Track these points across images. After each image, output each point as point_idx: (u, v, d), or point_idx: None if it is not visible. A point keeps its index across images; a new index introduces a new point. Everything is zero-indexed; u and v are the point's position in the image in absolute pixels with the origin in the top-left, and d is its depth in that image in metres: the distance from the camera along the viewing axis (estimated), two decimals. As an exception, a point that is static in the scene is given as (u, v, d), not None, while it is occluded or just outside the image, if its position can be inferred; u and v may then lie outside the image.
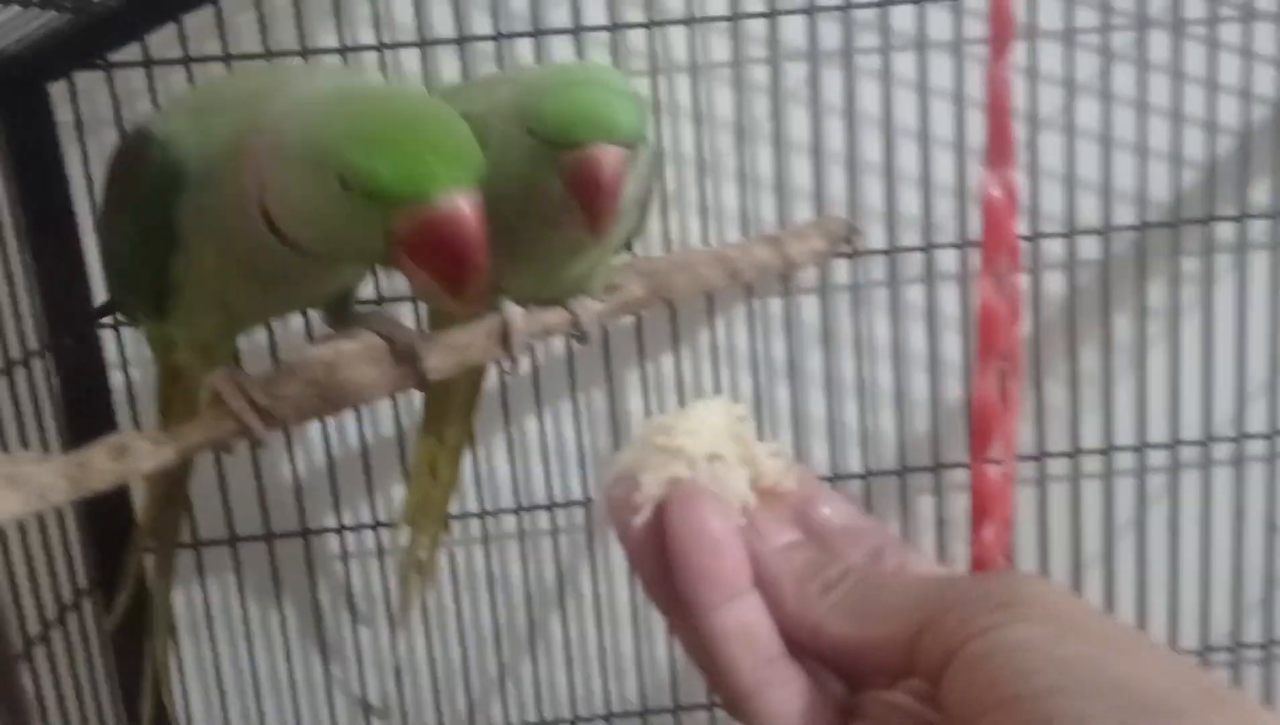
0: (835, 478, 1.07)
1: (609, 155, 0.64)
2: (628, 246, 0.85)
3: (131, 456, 0.57)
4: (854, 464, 1.08)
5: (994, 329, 0.46)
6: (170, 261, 0.63)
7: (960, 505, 1.09)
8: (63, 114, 0.95)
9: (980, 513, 0.49)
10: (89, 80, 0.95)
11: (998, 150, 0.46)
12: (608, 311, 0.79)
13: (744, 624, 0.33)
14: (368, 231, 0.53)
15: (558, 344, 1.04)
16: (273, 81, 0.63)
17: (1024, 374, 0.94)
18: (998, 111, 0.45)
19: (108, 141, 0.96)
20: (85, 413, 0.98)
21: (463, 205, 0.51)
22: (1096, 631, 0.27)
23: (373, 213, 0.52)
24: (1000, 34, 0.44)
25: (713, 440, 0.34)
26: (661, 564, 0.34)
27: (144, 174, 0.62)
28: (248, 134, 0.57)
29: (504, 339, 0.73)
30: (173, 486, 0.88)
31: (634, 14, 0.98)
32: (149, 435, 0.58)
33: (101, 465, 0.56)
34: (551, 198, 0.66)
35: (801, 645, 0.33)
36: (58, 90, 0.94)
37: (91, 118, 0.96)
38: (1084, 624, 0.27)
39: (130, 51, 0.93)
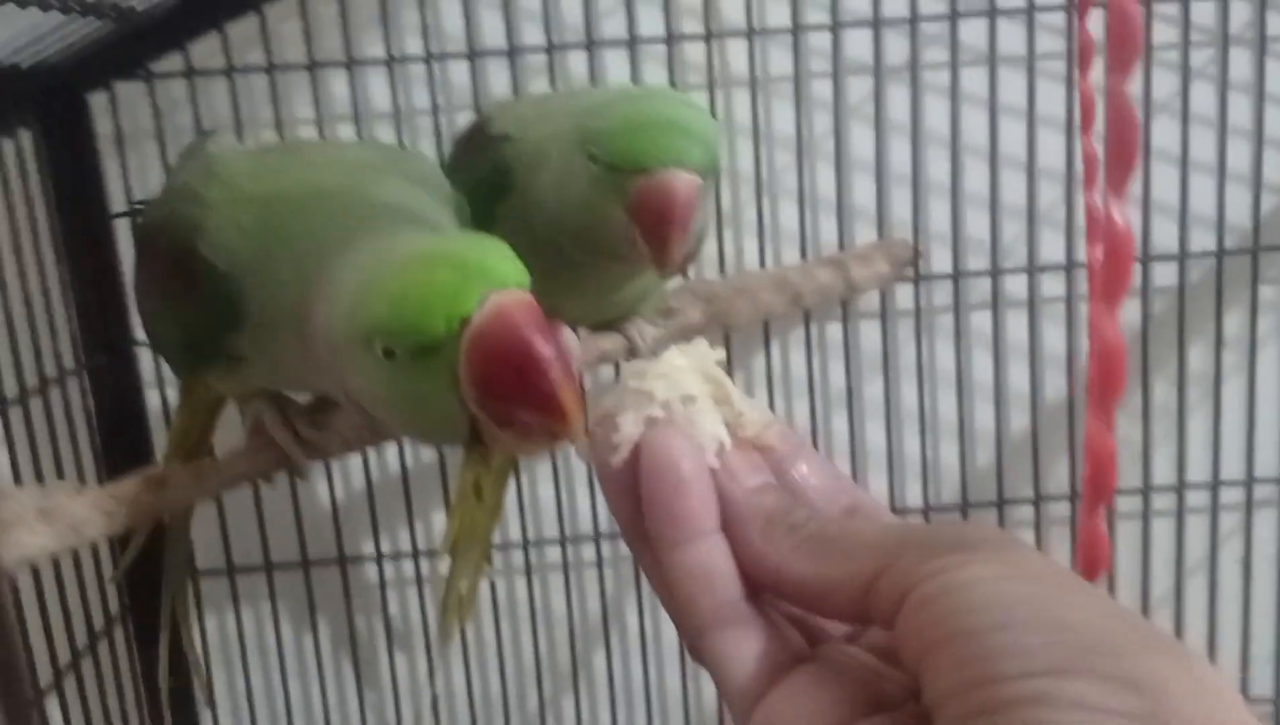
0: (895, 511, 1.02)
1: (681, 183, 0.58)
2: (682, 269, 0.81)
3: (170, 489, 0.53)
4: (914, 497, 1.03)
5: (1113, 369, 0.42)
6: (220, 342, 0.59)
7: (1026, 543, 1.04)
8: (102, 125, 0.92)
9: (1090, 569, 0.44)
10: (129, 91, 0.92)
11: (1120, 172, 0.42)
12: (664, 337, 0.75)
13: (704, 563, 0.33)
14: (441, 407, 0.47)
15: (606, 369, 1.00)
16: (333, 187, 0.58)
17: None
18: (1121, 130, 0.41)
19: (148, 153, 0.94)
20: (120, 432, 0.95)
21: (512, 303, 0.45)
22: (1044, 575, 0.28)
23: (431, 375, 0.45)
24: (1123, 45, 0.40)
25: (686, 382, 0.35)
26: (636, 503, 0.34)
27: (195, 297, 0.57)
28: (316, 300, 0.52)
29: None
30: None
31: (692, 25, 0.94)
32: (190, 468, 0.54)
33: (139, 498, 0.52)
34: (614, 227, 0.60)
35: (764, 584, 0.33)
36: (97, 101, 0.91)
37: (132, 129, 0.94)
38: (1032, 568, 0.28)
39: (172, 61, 0.91)
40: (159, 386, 0.96)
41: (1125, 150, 0.41)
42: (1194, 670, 0.26)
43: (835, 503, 0.36)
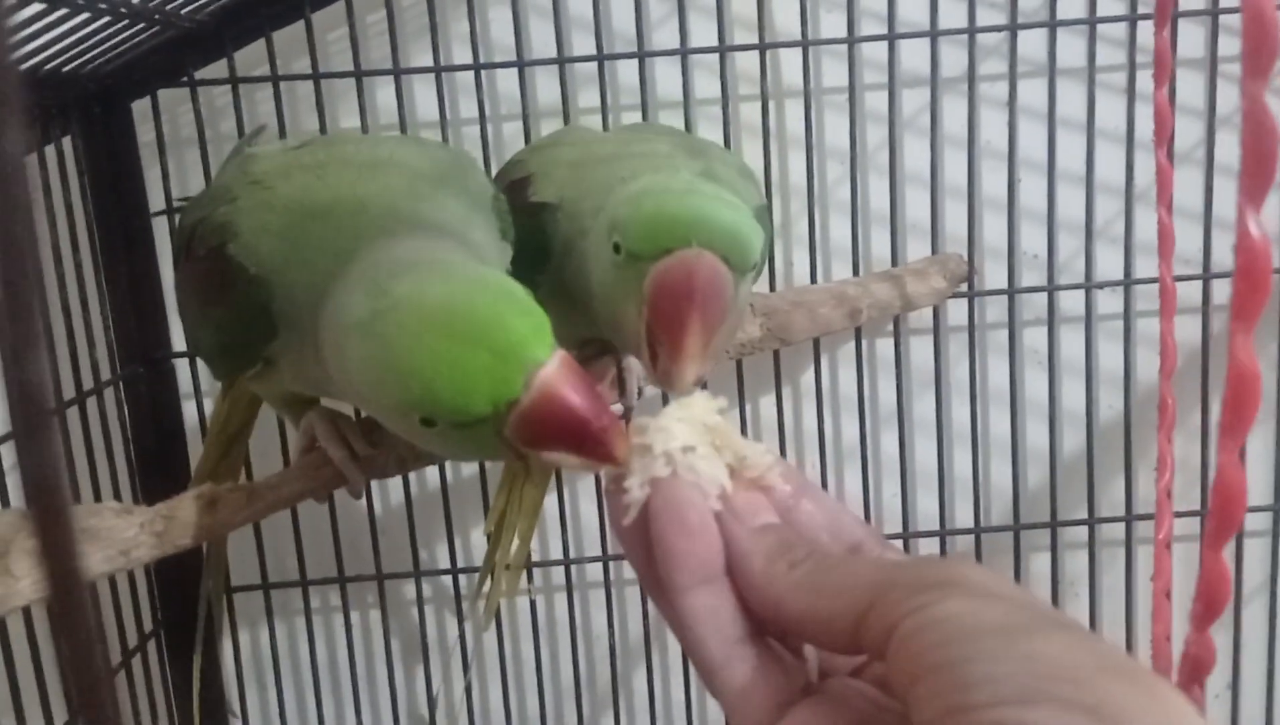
0: (944, 532, 1.00)
1: (705, 263, 0.49)
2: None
3: (221, 510, 0.51)
4: (964, 517, 1.00)
5: (1247, 394, 0.40)
6: (254, 346, 0.57)
7: (1078, 565, 1.01)
8: (144, 132, 0.90)
9: (1212, 606, 0.42)
10: (172, 98, 0.91)
11: (1256, 182, 0.39)
12: (724, 352, 0.73)
13: (712, 605, 0.35)
14: (483, 447, 0.47)
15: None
16: (362, 197, 0.56)
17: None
18: (1259, 139, 0.38)
19: (189, 161, 0.92)
20: (156, 443, 0.93)
21: (556, 377, 0.43)
22: (1016, 608, 0.30)
23: (474, 431, 0.45)
24: (1259, 50, 0.37)
25: (685, 433, 0.37)
26: (649, 553, 0.37)
27: (227, 299, 0.56)
28: (325, 324, 0.51)
29: (620, 383, 0.67)
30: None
31: (744, 35, 0.92)
32: (243, 487, 0.52)
33: (189, 519, 0.50)
34: (630, 323, 0.51)
35: (766, 619, 0.35)
36: (139, 108, 0.90)
37: (174, 136, 0.92)
38: (1006, 601, 0.30)
39: (217, 68, 0.89)
40: (196, 398, 0.95)
41: (1264, 160, 0.38)
42: (1155, 695, 0.27)
43: (840, 539, 0.38)
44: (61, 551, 0.16)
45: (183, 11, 0.80)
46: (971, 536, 1.00)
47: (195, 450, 0.94)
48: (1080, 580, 1.01)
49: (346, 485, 0.60)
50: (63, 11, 0.68)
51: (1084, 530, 1.00)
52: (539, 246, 0.64)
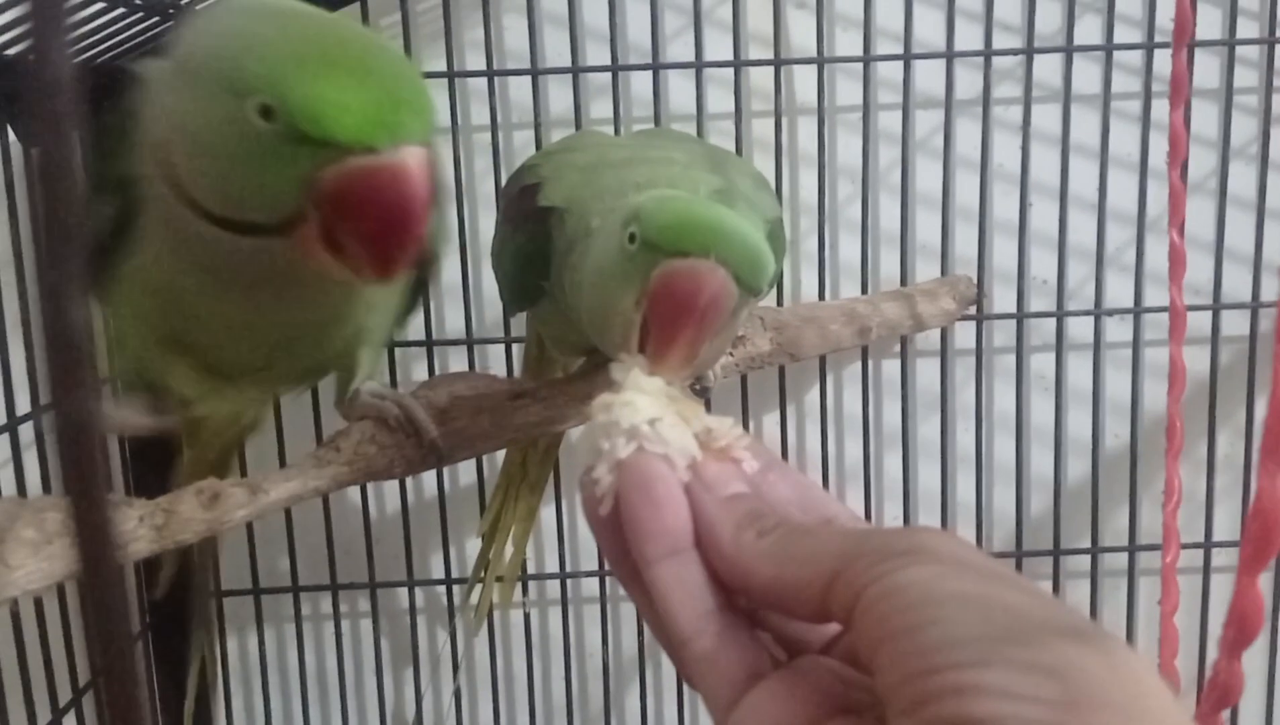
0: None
1: (717, 276, 0.49)
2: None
3: (222, 505, 0.50)
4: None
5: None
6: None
7: (1080, 594, 1.00)
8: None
9: (1244, 635, 0.41)
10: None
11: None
12: (732, 366, 0.73)
13: (682, 577, 0.35)
14: (278, 180, 0.44)
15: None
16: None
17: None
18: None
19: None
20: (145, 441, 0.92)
21: (414, 162, 0.43)
22: (979, 574, 0.30)
23: (294, 156, 0.43)
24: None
25: (648, 406, 0.37)
26: (621, 536, 0.36)
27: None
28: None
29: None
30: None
31: (759, 51, 0.92)
32: (246, 482, 0.51)
33: (190, 514, 0.49)
34: (625, 311, 0.51)
35: (735, 588, 0.35)
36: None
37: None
38: (971, 569, 0.30)
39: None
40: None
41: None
42: (1114, 657, 0.28)
43: (809, 513, 0.38)
44: (93, 499, 0.15)
45: (199, 8, 0.80)
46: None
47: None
48: (1082, 610, 1.00)
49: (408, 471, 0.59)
50: (99, 5, 0.68)
51: (1087, 559, 0.99)
52: (544, 252, 0.63)
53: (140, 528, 0.46)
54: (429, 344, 0.93)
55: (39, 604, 0.78)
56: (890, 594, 0.30)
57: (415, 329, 0.93)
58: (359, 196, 0.42)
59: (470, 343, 0.93)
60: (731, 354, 0.72)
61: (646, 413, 0.37)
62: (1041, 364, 0.98)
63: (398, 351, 0.93)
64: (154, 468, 0.91)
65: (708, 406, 0.94)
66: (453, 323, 0.94)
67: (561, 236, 0.62)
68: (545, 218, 0.63)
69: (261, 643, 0.99)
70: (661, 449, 0.36)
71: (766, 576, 0.34)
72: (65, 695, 0.81)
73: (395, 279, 0.45)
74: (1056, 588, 0.99)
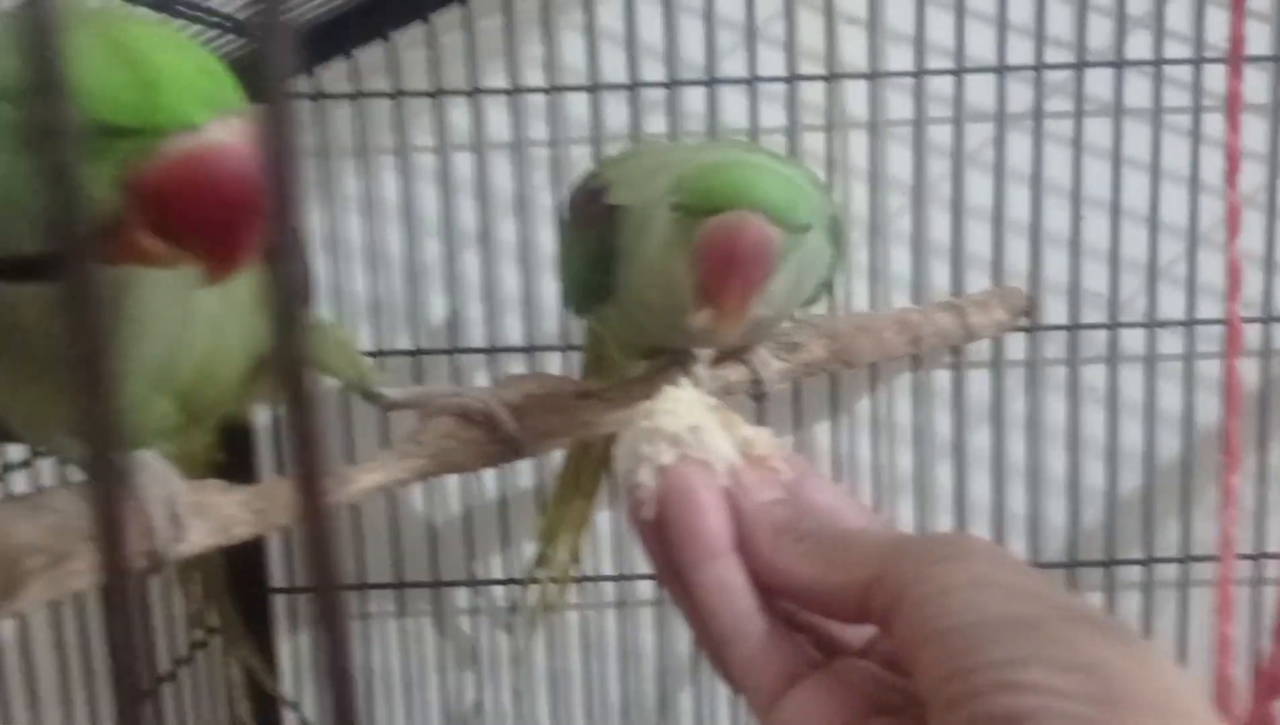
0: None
1: (749, 223, 0.53)
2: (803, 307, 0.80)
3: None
4: (1017, 553, 1.00)
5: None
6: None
7: (1133, 605, 1.00)
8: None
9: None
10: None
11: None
12: (789, 371, 0.75)
13: (723, 580, 0.36)
14: (90, 191, 0.37)
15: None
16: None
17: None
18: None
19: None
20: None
21: (244, 133, 0.37)
22: (1015, 579, 0.31)
23: (100, 153, 0.37)
24: None
25: (691, 413, 0.38)
26: (664, 542, 0.37)
27: (598, 231, 0.60)
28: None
29: (753, 372, 0.69)
30: None
31: (811, 66, 0.94)
32: (357, 467, 0.54)
33: (286, 500, 0.52)
34: (680, 277, 0.55)
35: (775, 590, 0.36)
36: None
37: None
38: (1008, 571, 0.31)
39: (300, 84, 0.93)
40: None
41: None
42: (1144, 656, 0.29)
43: (845, 522, 0.39)
44: (313, 441, 0.18)
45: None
46: (1024, 572, 1.00)
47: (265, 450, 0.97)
48: (1134, 621, 1.00)
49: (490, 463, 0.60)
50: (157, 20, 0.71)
51: (1140, 570, 0.99)
52: (612, 250, 0.66)
53: (242, 512, 0.49)
54: (490, 351, 0.96)
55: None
56: (932, 596, 0.31)
57: (476, 336, 0.96)
58: (195, 179, 0.37)
59: (530, 350, 0.96)
60: (787, 360, 0.74)
61: (688, 420, 0.38)
62: (1094, 376, 0.99)
63: (462, 357, 0.97)
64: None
65: (759, 414, 0.96)
66: (512, 331, 0.97)
67: (627, 234, 0.65)
68: (612, 217, 0.66)
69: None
70: (703, 455, 0.37)
71: (805, 579, 0.35)
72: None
73: (243, 265, 0.39)
74: (1109, 598, 0.99)
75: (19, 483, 0.67)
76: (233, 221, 0.38)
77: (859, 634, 0.38)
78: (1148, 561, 0.98)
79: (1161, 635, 1.00)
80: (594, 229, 0.67)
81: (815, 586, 0.35)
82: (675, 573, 0.38)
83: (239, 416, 0.65)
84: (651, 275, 0.60)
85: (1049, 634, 0.29)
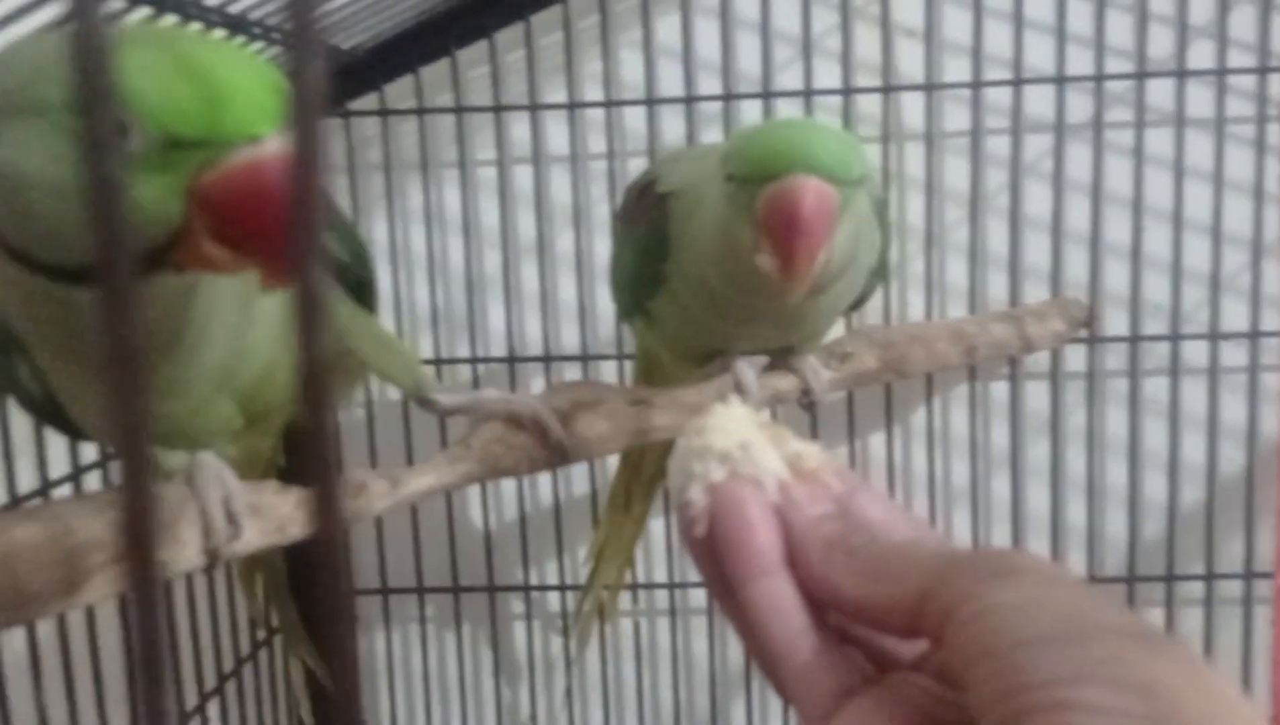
0: (1055, 580, 0.98)
1: (811, 187, 0.56)
2: (855, 307, 0.80)
3: (368, 494, 0.55)
4: (1076, 567, 0.99)
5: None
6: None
7: (1194, 622, 0.99)
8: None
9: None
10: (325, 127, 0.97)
11: None
12: (840, 381, 0.75)
13: (775, 596, 0.36)
14: (150, 199, 0.39)
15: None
16: None
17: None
18: None
19: (338, 188, 0.98)
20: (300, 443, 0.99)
21: (283, 145, 0.38)
22: (1068, 596, 0.31)
23: (166, 166, 0.39)
24: None
25: (741, 430, 0.38)
26: (715, 558, 0.37)
27: (648, 220, 0.62)
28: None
29: (803, 380, 0.70)
30: None
31: (867, 78, 0.94)
32: (389, 474, 0.55)
33: (339, 503, 0.54)
34: (745, 244, 0.58)
35: (826, 605, 0.36)
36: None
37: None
38: (1064, 589, 0.31)
39: (367, 101, 0.95)
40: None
41: None
42: (1199, 674, 0.29)
43: (895, 534, 0.38)
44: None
45: (336, 43, 0.86)
46: (1083, 586, 0.99)
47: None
48: (1196, 638, 0.99)
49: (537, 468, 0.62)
50: (234, 40, 0.74)
51: (1201, 586, 0.97)
52: (663, 236, 0.68)
53: (297, 513, 0.51)
54: (546, 359, 0.98)
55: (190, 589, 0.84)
56: (985, 613, 0.31)
57: (534, 344, 0.98)
58: (257, 189, 0.39)
59: (585, 358, 0.98)
60: (838, 370, 0.75)
61: (738, 437, 0.38)
62: (1156, 388, 0.98)
63: (517, 366, 0.98)
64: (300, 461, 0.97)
65: (814, 424, 0.96)
66: (568, 339, 0.99)
67: (679, 217, 0.67)
68: (663, 204, 0.68)
69: (389, 641, 1.05)
70: (752, 471, 0.37)
71: (857, 594, 0.35)
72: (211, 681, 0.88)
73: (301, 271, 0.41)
74: (1170, 614, 0.98)
75: (93, 481, 0.70)
76: (277, 228, 0.39)
77: (912, 648, 0.37)
78: (1209, 577, 0.96)
79: (1224, 653, 0.98)
80: (645, 219, 0.69)
81: (866, 601, 0.35)
82: (727, 589, 0.38)
83: (299, 419, 0.68)
84: (710, 250, 0.63)
85: (1103, 652, 0.29)
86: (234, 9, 0.63)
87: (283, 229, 0.39)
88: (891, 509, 0.40)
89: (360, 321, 0.62)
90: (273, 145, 0.39)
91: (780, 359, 0.74)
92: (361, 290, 0.63)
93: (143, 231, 0.40)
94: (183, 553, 0.46)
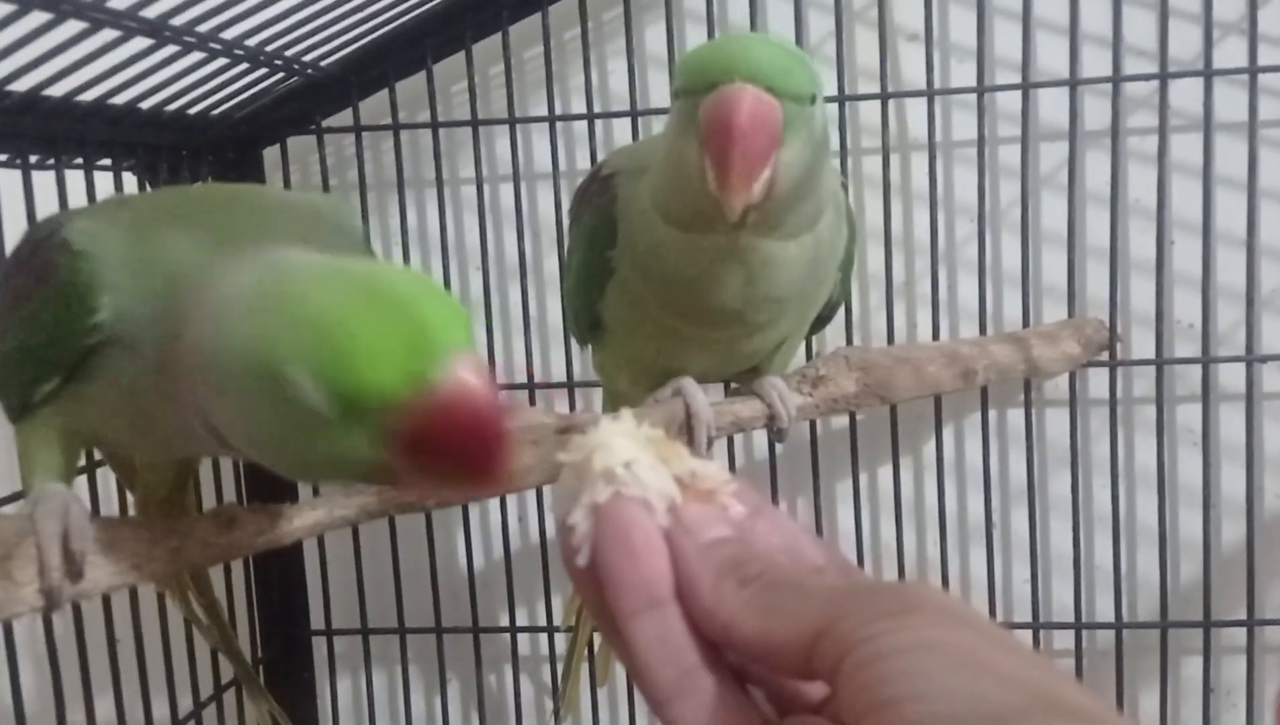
0: (1081, 624, 0.90)
1: (745, 92, 0.53)
2: (821, 323, 0.74)
3: (238, 529, 0.50)
4: (1105, 610, 0.91)
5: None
6: (80, 343, 0.49)
7: (1235, 671, 0.90)
8: (274, 180, 0.93)
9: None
10: (300, 145, 0.94)
11: None
12: (811, 407, 0.69)
13: (661, 631, 0.33)
14: (345, 452, 0.40)
15: (760, 443, 0.93)
16: (221, 224, 0.50)
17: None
18: None
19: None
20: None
21: (472, 373, 0.39)
22: (976, 643, 0.28)
23: (352, 422, 0.39)
24: None
25: (626, 447, 0.35)
26: (599, 583, 0.34)
27: (53, 283, 0.49)
28: (192, 309, 0.44)
29: (687, 430, 0.63)
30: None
31: (868, 85, 0.88)
32: (266, 509, 0.51)
33: (205, 537, 0.49)
34: (690, 160, 0.55)
35: (718, 643, 0.33)
36: (270, 155, 0.93)
37: (304, 183, 0.95)
38: (965, 633, 0.29)
39: (342, 117, 0.92)
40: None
41: None
42: None
43: (801, 561, 0.36)
44: None
45: (306, 59, 0.83)
46: (1112, 632, 0.90)
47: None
48: (1237, 689, 0.90)
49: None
50: (198, 56, 0.71)
51: (1242, 633, 0.89)
52: (609, 217, 0.65)
53: (155, 550, 0.46)
54: (531, 387, 0.93)
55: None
56: (875, 660, 0.28)
57: (519, 370, 0.93)
58: (447, 429, 0.39)
59: (572, 385, 0.92)
60: (810, 395, 0.69)
61: (622, 454, 0.35)
62: (1187, 415, 0.90)
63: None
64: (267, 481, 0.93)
65: (814, 456, 0.90)
66: (556, 364, 0.94)
67: (624, 194, 0.65)
68: (609, 184, 0.66)
69: (370, 682, 1.00)
70: (639, 492, 0.34)
71: (748, 630, 0.32)
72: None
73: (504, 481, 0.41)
74: (1208, 662, 0.89)
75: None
76: (488, 455, 0.39)
77: (817, 688, 0.34)
78: (1251, 623, 0.88)
79: (1268, 705, 0.89)
80: (593, 204, 0.67)
81: (758, 639, 0.32)
82: (612, 621, 0.34)
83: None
84: (659, 186, 0.60)
85: (1000, 709, 0.27)
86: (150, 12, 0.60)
87: (482, 456, 0.39)
88: (799, 535, 0.37)
89: None
90: (457, 378, 0.38)
91: (743, 383, 0.68)
92: None
93: (335, 475, 0.43)
94: (18, 593, 0.41)
